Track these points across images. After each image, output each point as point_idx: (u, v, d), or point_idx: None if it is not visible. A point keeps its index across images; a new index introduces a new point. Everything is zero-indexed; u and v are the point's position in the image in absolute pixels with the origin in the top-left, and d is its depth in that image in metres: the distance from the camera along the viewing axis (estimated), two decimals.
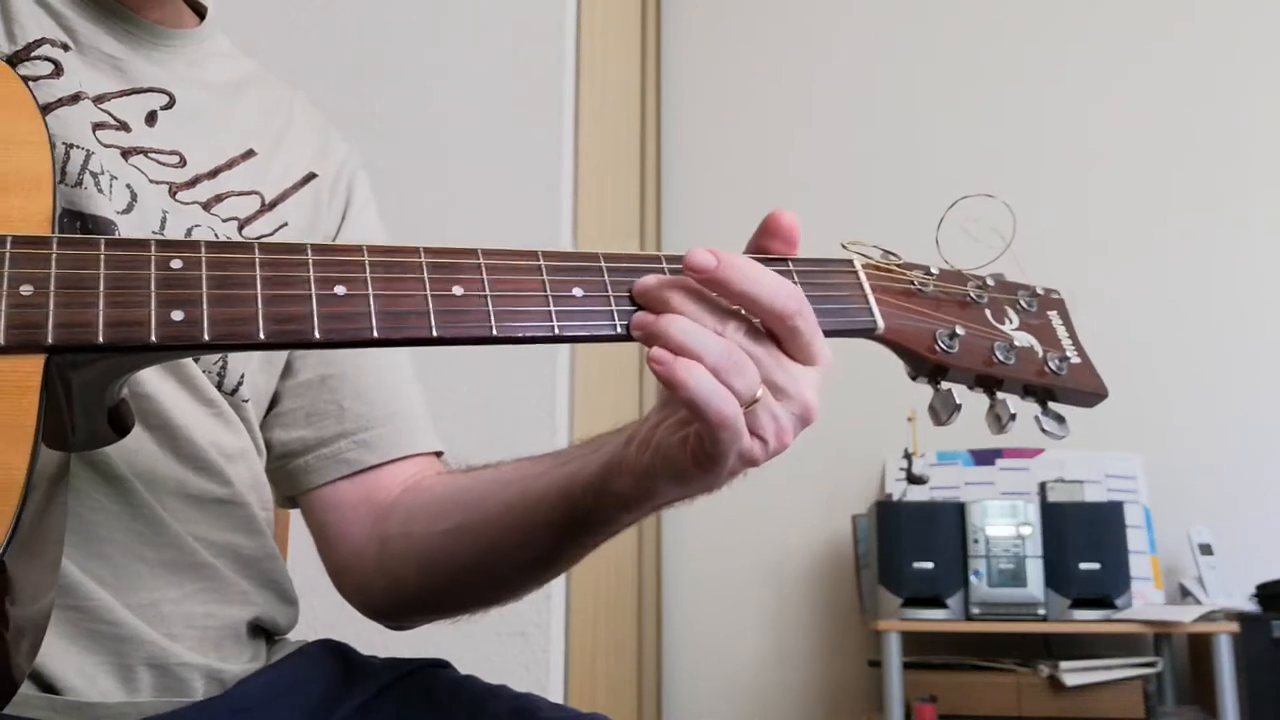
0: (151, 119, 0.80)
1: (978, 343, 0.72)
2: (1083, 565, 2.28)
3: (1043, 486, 2.42)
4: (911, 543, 2.31)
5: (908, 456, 2.43)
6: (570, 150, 2.08)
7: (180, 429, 0.75)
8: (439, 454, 0.91)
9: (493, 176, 2.04)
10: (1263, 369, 2.61)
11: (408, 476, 0.87)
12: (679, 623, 2.77)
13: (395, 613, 0.87)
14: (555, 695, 1.89)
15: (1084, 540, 2.29)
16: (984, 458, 2.55)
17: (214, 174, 0.81)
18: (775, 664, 2.72)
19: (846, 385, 2.58)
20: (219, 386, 0.78)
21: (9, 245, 0.55)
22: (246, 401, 0.81)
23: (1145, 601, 2.31)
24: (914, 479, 2.41)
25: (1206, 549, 2.34)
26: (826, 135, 2.91)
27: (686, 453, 0.63)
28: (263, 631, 0.82)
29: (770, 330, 0.63)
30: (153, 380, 0.73)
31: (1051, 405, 0.74)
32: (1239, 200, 2.69)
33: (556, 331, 0.62)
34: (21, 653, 0.54)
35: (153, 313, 0.55)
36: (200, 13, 0.90)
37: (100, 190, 0.72)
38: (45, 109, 0.73)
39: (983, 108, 2.84)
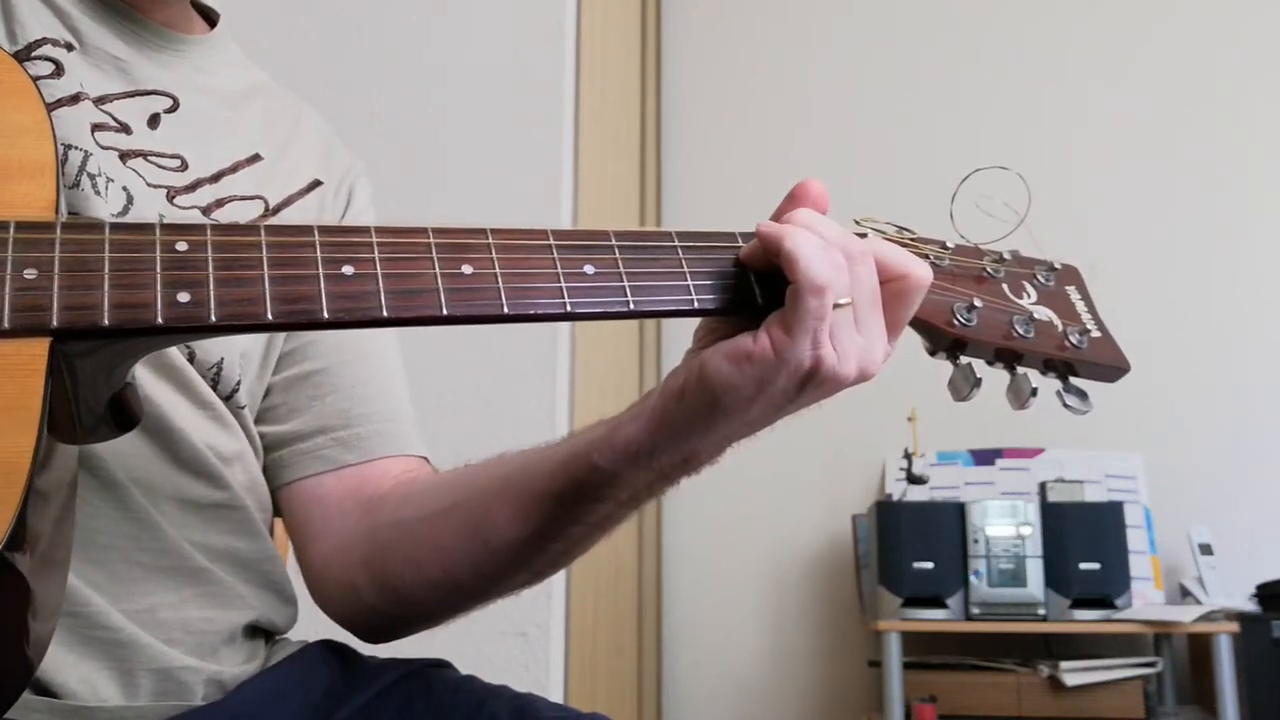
0: (154, 121, 0.79)
1: (996, 316, 0.71)
2: (1083, 565, 2.28)
3: (1043, 486, 2.41)
4: (911, 543, 2.31)
5: (908, 456, 2.43)
6: (570, 150, 2.08)
7: (177, 433, 0.74)
8: (425, 461, 0.88)
9: (493, 176, 2.04)
10: (1263, 369, 2.61)
11: (400, 472, 0.85)
12: (679, 623, 2.77)
13: (379, 619, 0.83)
14: (555, 695, 1.89)
15: (1084, 540, 2.29)
16: (984, 458, 2.56)
17: (216, 178, 0.80)
18: (775, 664, 2.72)
19: None
20: (214, 389, 0.78)
21: (12, 230, 0.55)
22: (243, 408, 0.80)
23: (1145, 601, 2.31)
24: (914, 479, 2.41)
25: (1206, 549, 2.34)
26: (826, 135, 2.91)
27: (759, 343, 0.62)
28: (261, 631, 0.82)
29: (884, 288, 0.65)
30: (149, 383, 0.73)
31: (1073, 380, 0.73)
32: (1240, 200, 2.69)
33: (569, 309, 0.61)
34: (31, 660, 0.54)
35: (159, 294, 0.54)
36: (212, 21, 0.89)
37: (97, 192, 0.72)
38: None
39: (980, 106, 2.84)
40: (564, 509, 0.72)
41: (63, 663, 0.67)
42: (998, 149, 2.78)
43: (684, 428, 0.66)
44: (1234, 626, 2.16)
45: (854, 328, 0.64)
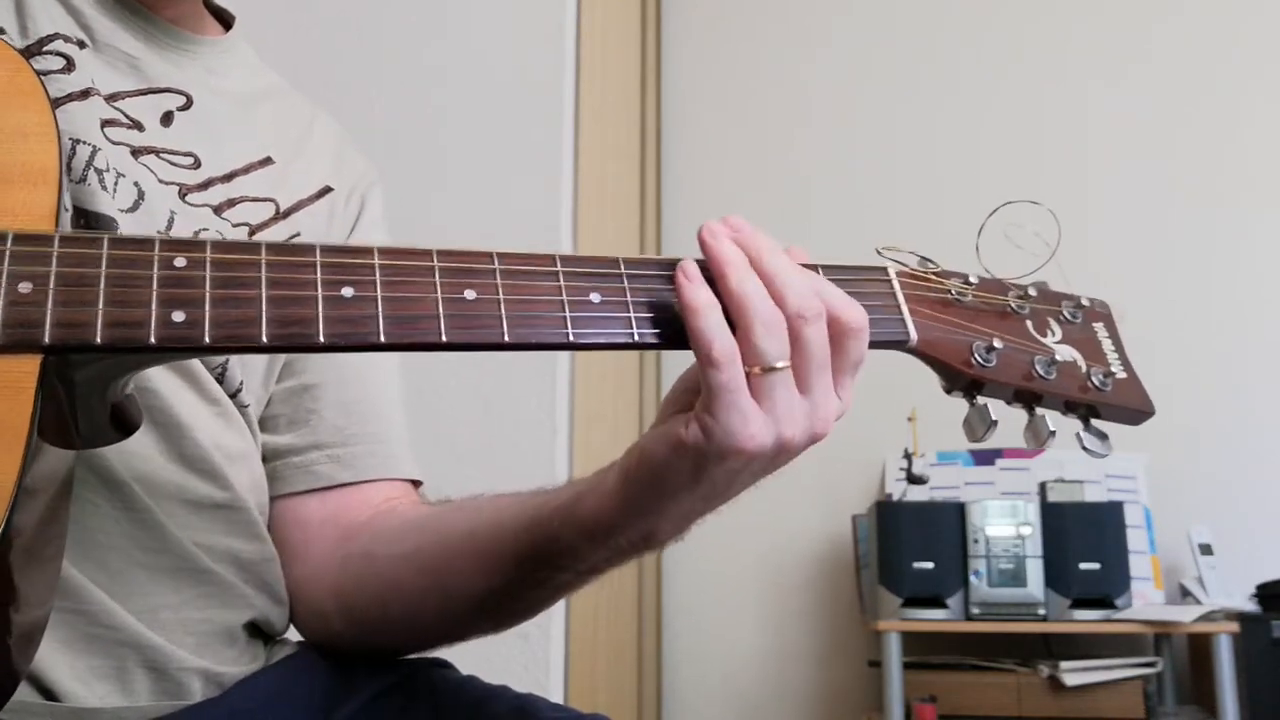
0: (167, 119, 0.79)
1: (1017, 356, 0.69)
2: (1083, 565, 2.27)
3: (1043, 486, 2.41)
4: (911, 543, 2.31)
5: (908, 456, 2.42)
6: (570, 150, 2.08)
7: (184, 428, 0.74)
8: (417, 485, 0.88)
9: (493, 176, 2.04)
10: (1263, 369, 2.60)
11: (382, 500, 0.84)
12: (679, 623, 2.77)
13: (346, 646, 0.82)
14: (555, 696, 1.89)
15: (1084, 540, 2.29)
16: (984, 458, 2.55)
17: (229, 178, 0.80)
18: (775, 664, 2.72)
19: None
20: (219, 385, 0.77)
21: (10, 242, 0.54)
22: (246, 407, 0.80)
23: (1145, 601, 2.31)
24: (914, 479, 2.40)
25: (1206, 549, 2.34)
26: (826, 135, 2.91)
27: (690, 431, 0.60)
28: (260, 633, 0.81)
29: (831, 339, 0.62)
30: (158, 376, 0.72)
31: (1094, 422, 0.71)
32: (1240, 200, 2.69)
33: (571, 339, 0.60)
34: (19, 656, 0.54)
35: (153, 313, 0.53)
36: (227, 23, 0.89)
37: (105, 187, 0.71)
38: (54, 104, 0.72)
39: (981, 105, 2.84)
40: (524, 572, 0.72)
41: (61, 661, 0.67)
42: (996, 148, 2.78)
43: (638, 508, 0.64)
44: (1234, 626, 2.15)
45: (793, 390, 0.61)
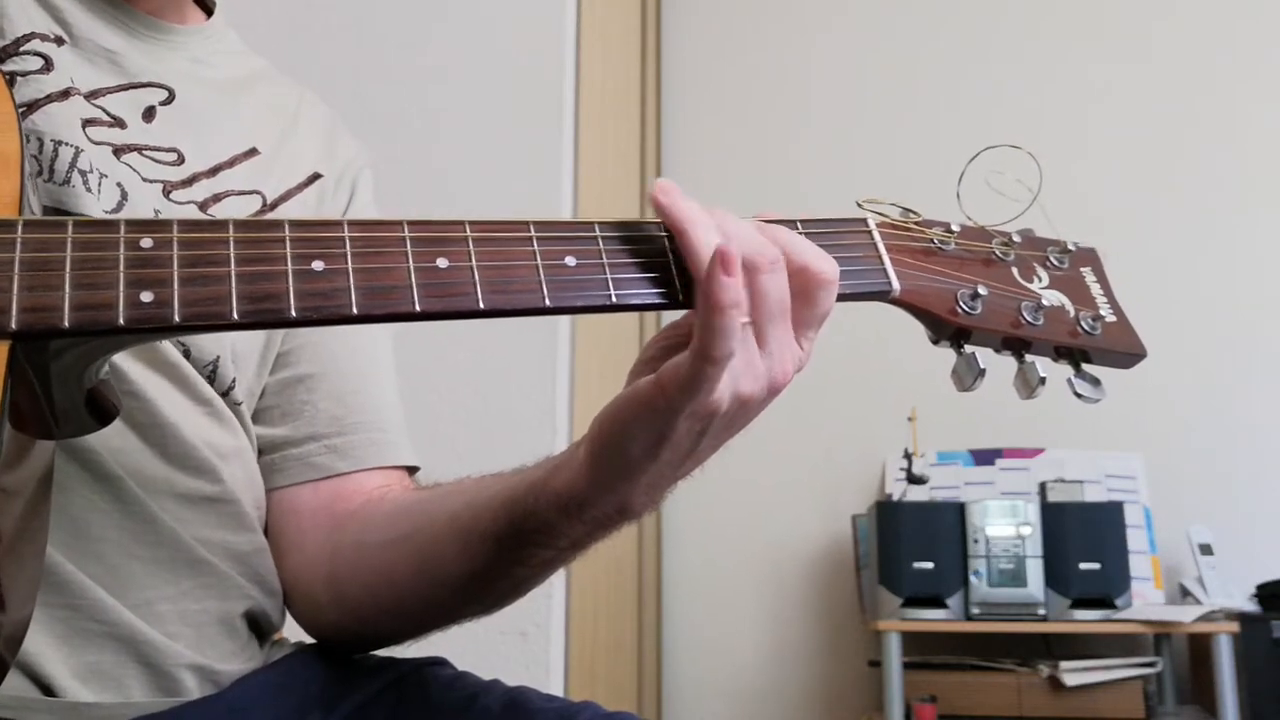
0: (149, 115, 0.78)
1: (1003, 303, 0.69)
2: (1083, 565, 2.27)
3: (1043, 486, 2.41)
4: (911, 543, 2.31)
5: (908, 456, 2.42)
6: (570, 150, 2.08)
7: (170, 428, 0.73)
8: (412, 471, 0.88)
9: (493, 176, 2.04)
10: (1263, 368, 2.60)
11: (373, 488, 0.84)
12: (679, 622, 2.77)
13: (341, 635, 0.82)
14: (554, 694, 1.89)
15: (1084, 540, 2.29)
16: (984, 458, 2.55)
17: (213, 172, 0.79)
18: (775, 664, 2.72)
19: (846, 385, 2.53)
20: (210, 385, 0.77)
21: None
22: (240, 404, 0.80)
23: (1145, 601, 2.31)
24: (914, 479, 2.40)
25: (1206, 549, 2.34)
26: (827, 133, 2.91)
27: (650, 393, 0.59)
28: (257, 627, 0.81)
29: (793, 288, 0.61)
30: (144, 379, 0.72)
31: (1086, 367, 0.70)
32: (1239, 199, 2.68)
33: (548, 303, 0.59)
34: (6, 651, 0.54)
35: (121, 294, 0.53)
36: (208, 9, 0.88)
37: (89, 189, 0.71)
38: (33, 105, 0.71)
39: (979, 105, 2.84)
40: (506, 551, 0.71)
41: (57, 657, 0.67)
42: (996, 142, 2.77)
43: (607, 476, 0.64)
44: (1234, 626, 2.15)
45: (751, 346, 0.60)
